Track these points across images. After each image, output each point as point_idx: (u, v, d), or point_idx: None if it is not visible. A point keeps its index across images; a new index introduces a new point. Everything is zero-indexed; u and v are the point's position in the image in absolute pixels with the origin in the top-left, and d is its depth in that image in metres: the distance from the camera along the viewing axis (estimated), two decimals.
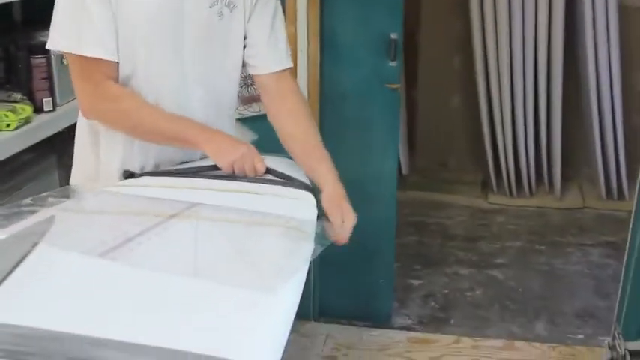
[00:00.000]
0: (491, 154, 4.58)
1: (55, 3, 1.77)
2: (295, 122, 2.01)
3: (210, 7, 1.83)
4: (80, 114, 1.92)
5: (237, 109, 2.97)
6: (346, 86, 3.05)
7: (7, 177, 2.48)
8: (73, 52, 1.76)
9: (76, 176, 2.02)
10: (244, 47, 1.96)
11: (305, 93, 2.96)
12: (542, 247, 4.05)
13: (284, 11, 2.84)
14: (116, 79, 1.81)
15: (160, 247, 1.47)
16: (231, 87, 2.01)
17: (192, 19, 1.82)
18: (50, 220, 1.55)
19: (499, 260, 3.91)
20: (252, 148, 1.86)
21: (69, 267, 1.38)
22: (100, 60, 1.76)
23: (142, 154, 1.91)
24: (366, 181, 3.12)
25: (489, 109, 4.50)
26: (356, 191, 3.10)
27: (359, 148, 3.10)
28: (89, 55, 1.75)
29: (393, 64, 2.99)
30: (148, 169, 1.93)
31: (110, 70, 1.79)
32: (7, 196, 2.40)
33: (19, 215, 1.55)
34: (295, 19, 2.91)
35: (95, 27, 1.74)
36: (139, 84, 1.83)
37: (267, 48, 1.96)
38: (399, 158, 4.01)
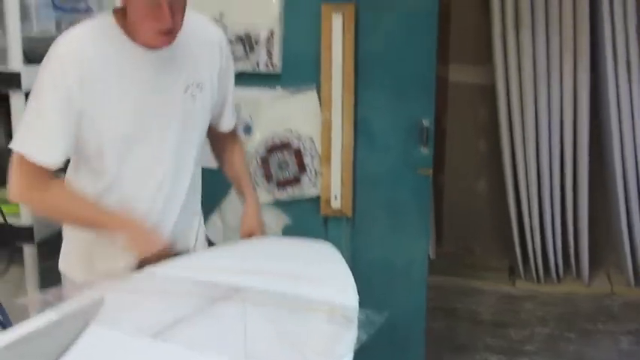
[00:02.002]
0: (518, 240, 4.58)
1: (26, 107, 1.93)
2: (236, 158, 2.37)
3: (185, 92, 2.01)
4: None
5: (270, 192, 3.05)
6: (378, 171, 3.09)
7: None
8: (25, 154, 1.87)
9: (68, 257, 2.12)
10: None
11: (338, 177, 3.02)
12: (572, 335, 4.01)
13: (319, 98, 2.95)
14: (49, 176, 1.92)
15: (209, 330, 1.50)
16: (197, 151, 2.14)
17: (171, 106, 1.99)
18: (100, 301, 1.59)
19: (528, 347, 3.87)
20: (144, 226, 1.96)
21: (121, 348, 1.41)
22: (44, 165, 1.88)
23: None
24: (397, 266, 3.14)
25: (516, 194, 4.53)
26: (386, 276, 3.15)
27: (390, 233, 3.12)
28: (33, 160, 1.87)
29: (424, 150, 3.05)
30: None
31: (48, 171, 1.91)
32: None
33: None
34: (330, 106, 2.99)
35: (49, 136, 1.87)
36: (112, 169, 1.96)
37: (227, 112, 2.26)
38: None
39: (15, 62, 2.41)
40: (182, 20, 1.90)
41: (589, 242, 4.48)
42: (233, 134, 2.37)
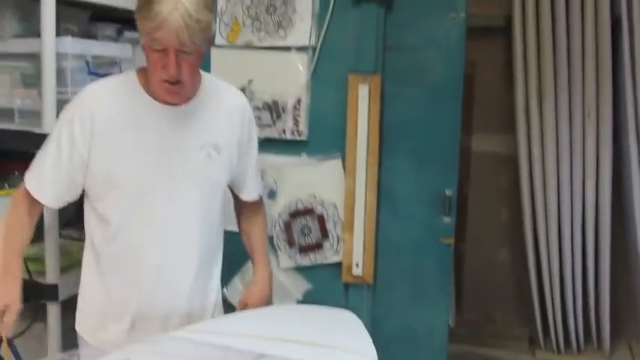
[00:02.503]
0: (538, 309, 4.55)
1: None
2: (255, 231, 2.42)
3: (199, 151, 2.07)
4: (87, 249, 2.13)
5: (292, 257, 3.08)
6: (401, 239, 3.11)
7: None
8: (28, 187, 2.05)
9: (82, 318, 2.19)
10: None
11: (360, 244, 3.04)
12: None
13: (344, 165, 3.00)
14: (32, 209, 2.09)
15: None
16: (212, 211, 2.19)
17: (183, 162, 2.05)
18: None
19: None
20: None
21: None
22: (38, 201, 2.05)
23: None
24: (417, 334, 3.14)
25: (537, 263, 4.51)
26: (407, 344, 3.14)
27: (411, 301, 3.12)
28: (38, 199, 2.04)
29: (447, 219, 3.07)
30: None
31: (38, 204, 2.08)
32: None
33: None
34: (355, 174, 3.02)
35: (50, 176, 2.02)
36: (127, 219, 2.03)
37: (250, 182, 2.32)
38: None
39: (49, 124, 2.47)
40: (192, 77, 1.96)
41: (610, 313, 4.44)
42: (257, 205, 2.41)
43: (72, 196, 2.07)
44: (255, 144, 2.30)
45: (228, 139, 2.15)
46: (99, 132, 1.95)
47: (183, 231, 2.09)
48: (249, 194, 2.35)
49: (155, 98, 2.00)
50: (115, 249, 2.03)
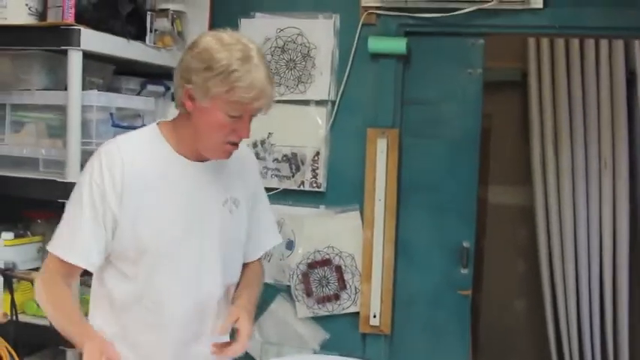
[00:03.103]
0: None
1: (65, 209, 1.98)
2: (250, 277, 2.22)
3: (223, 206, 2.04)
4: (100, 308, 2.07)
5: (310, 307, 3.10)
6: (418, 290, 3.13)
7: None
8: (58, 255, 1.92)
9: None
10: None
11: (378, 295, 3.06)
12: None
13: (362, 217, 3.03)
14: (70, 278, 1.99)
15: None
16: (232, 267, 2.14)
17: (209, 218, 2.02)
18: None
19: None
20: (102, 342, 1.88)
21: None
22: (73, 265, 1.92)
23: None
24: None
25: (554, 316, 4.50)
26: None
27: (428, 352, 3.13)
28: (72, 262, 1.92)
29: (464, 271, 3.09)
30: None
31: (73, 272, 1.96)
32: None
33: None
34: (373, 225, 3.06)
35: (83, 240, 1.91)
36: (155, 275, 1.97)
37: (265, 234, 2.25)
38: None
39: (73, 174, 2.51)
40: None
41: None
42: (259, 264, 2.32)
43: (104, 256, 1.98)
44: (263, 198, 2.26)
45: (244, 192, 2.14)
46: (128, 189, 1.90)
47: (211, 286, 2.07)
48: (262, 247, 2.28)
49: (182, 154, 1.98)
50: (137, 306, 1.99)
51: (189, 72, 1.86)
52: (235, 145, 1.95)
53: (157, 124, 2.04)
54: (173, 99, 3.05)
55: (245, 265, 2.22)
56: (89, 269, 1.95)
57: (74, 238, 1.91)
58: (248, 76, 1.81)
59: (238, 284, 2.18)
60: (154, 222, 1.94)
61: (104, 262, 1.98)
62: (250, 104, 1.85)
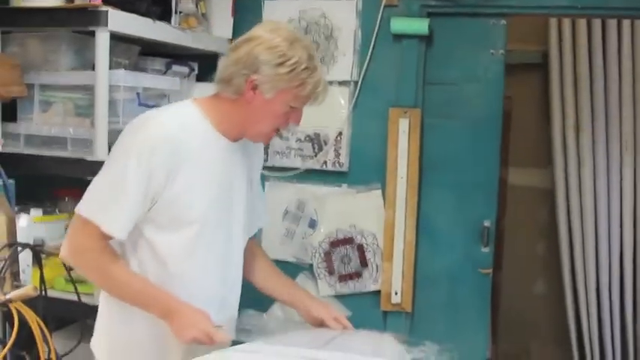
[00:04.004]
0: (575, 342, 4.54)
1: (100, 174, 2.00)
2: (274, 269, 2.39)
3: (246, 184, 2.15)
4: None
5: (332, 285, 3.14)
6: (439, 269, 3.17)
7: None
8: (96, 223, 1.93)
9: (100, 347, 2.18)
10: None
11: (399, 273, 3.09)
12: None
13: (384, 196, 3.06)
14: (107, 244, 2.00)
15: None
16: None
17: (240, 196, 2.13)
18: None
19: None
20: (208, 320, 1.95)
21: None
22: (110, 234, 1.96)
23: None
24: None
25: (574, 297, 4.51)
26: None
27: (449, 330, 3.16)
28: (108, 232, 1.94)
29: (485, 249, 3.12)
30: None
31: (110, 239, 1.98)
32: None
33: None
34: (394, 204, 3.09)
35: (123, 210, 1.94)
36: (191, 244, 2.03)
37: (257, 214, 2.29)
38: None
39: (100, 153, 2.56)
40: None
41: None
42: (258, 245, 2.42)
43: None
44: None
45: (256, 173, 2.26)
46: (172, 167, 1.94)
47: (236, 265, 2.18)
48: (257, 224, 2.34)
49: (221, 132, 2.05)
50: (169, 283, 2.02)
51: (256, 63, 1.94)
52: (279, 132, 2.09)
53: (193, 101, 2.09)
54: (198, 80, 3.14)
55: (252, 249, 2.32)
56: (122, 239, 1.99)
57: (117, 208, 1.94)
58: (316, 73, 1.97)
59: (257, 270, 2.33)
60: (196, 195, 1.99)
61: (140, 241, 2.03)
62: (316, 98, 2.01)
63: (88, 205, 1.97)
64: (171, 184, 1.95)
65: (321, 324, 2.26)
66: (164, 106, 2.22)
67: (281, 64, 1.93)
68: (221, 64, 2.06)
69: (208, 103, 2.07)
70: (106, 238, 1.97)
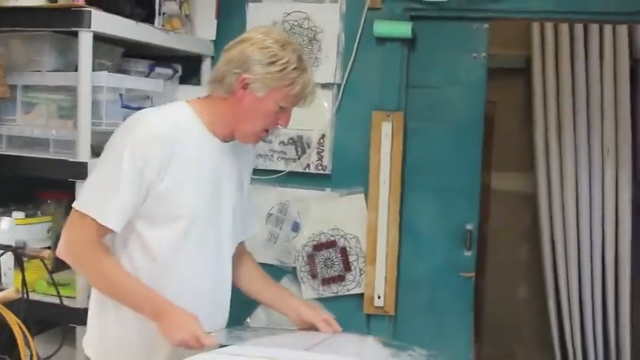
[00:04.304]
0: (558, 346, 4.56)
1: (94, 171, 2.07)
2: (259, 271, 2.43)
3: (236, 184, 2.19)
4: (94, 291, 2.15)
5: (315, 289, 3.14)
6: (421, 272, 3.18)
7: None
8: (91, 216, 1.97)
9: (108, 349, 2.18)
10: None
11: (382, 277, 3.09)
12: None
13: (366, 199, 3.07)
14: (102, 239, 2.04)
15: None
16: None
17: (228, 196, 2.16)
18: None
19: None
20: (197, 324, 1.98)
21: None
22: (107, 228, 1.99)
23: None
24: None
25: (557, 301, 4.53)
26: None
27: (432, 333, 3.15)
28: (104, 224, 1.98)
29: (468, 253, 3.14)
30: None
31: (106, 233, 2.02)
32: None
33: None
34: (377, 208, 3.09)
35: (118, 202, 1.98)
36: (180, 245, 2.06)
37: (248, 219, 2.35)
38: None
39: (83, 154, 2.55)
40: None
41: (631, 353, 4.44)
42: (244, 249, 2.42)
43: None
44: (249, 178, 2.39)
45: (246, 175, 2.30)
46: (170, 160, 1.99)
47: (226, 264, 2.21)
48: (249, 230, 2.39)
49: (213, 133, 2.10)
50: (159, 279, 2.05)
51: (248, 62, 2.02)
52: (268, 132, 2.13)
53: (186, 102, 2.14)
54: (182, 82, 3.14)
55: (240, 254, 2.35)
56: (117, 231, 2.01)
57: (112, 202, 1.97)
58: (305, 74, 2.05)
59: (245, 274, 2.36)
60: (189, 191, 2.04)
61: (131, 235, 2.06)
62: (305, 98, 2.08)
63: (83, 200, 2.02)
64: (163, 179, 1.99)
65: (310, 327, 2.27)
66: (157, 106, 2.26)
67: (272, 63, 2.00)
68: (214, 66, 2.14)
69: (200, 103, 2.14)
70: (101, 233, 2.00)
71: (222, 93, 2.08)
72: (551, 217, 4.47)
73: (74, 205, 2.03)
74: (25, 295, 2.37)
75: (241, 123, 2.07)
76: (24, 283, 2.39)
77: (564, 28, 4.29)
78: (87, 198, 2.02)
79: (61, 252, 2.05)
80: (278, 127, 2.13)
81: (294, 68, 2.02)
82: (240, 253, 2.36)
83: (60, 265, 2.77)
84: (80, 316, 2.57)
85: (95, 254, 2.01)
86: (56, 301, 2.42)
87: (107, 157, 2.04)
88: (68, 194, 2.69)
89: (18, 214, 2.69)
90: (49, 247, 2.71)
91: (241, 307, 2.43)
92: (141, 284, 2.02)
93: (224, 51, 2.10)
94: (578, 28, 4.27)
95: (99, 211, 1.97)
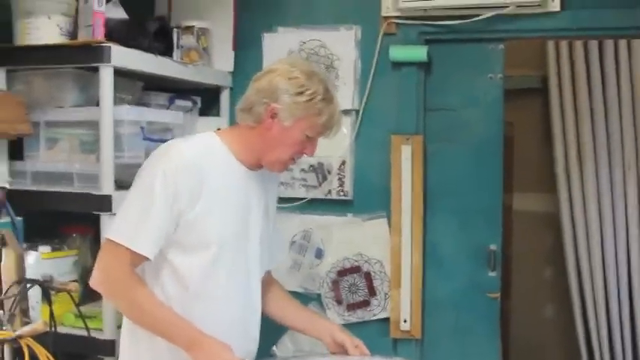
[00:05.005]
0: None
1: (125, 202, 2.07)
2: (290, 299, 2.45)
3: (264, 214, 2.21)
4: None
5: (341, 315, 3.13)
6: (447, 294, 3.16)
7: None
8: (125, 245, 1.99)
9: None
10: None
11: (408, 300, 3.09)
12: None
13: (389, 223, 3.07)
14: (136, 268, 2.04)
15: None
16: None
17: (255, 225, 2.18)
18: None
19: None
20: (231, 353, 1.98)
21: None
22: (140, 255, 2.00)
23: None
24: None
25: (584, 321, 4.49)
26: None
27: (460, 355, 3.15)
28: (138, 252, 1.99)
29: (492, 274, 3.13)
30: None
31: (140, 262, 2.03)
32: None
33: None
34: (400, 231, 3.10)
35: (152, 230, 2.00)
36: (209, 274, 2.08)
37: (277, 246, 2.41)
38: None
39: (107, 187, 2.58)
40: None
41: None
42: (272, 277, 2.44)
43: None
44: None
45: (272, 204, 2.32)
46: (201, 189, 2.02)
47: (255, 291, 2.23)
48: (275, 259, 2.42)
49: (241, 161, 2.14)
50: (191, 308, 2.06)
51: (276, 92, 2.06)
52: (294, 161, 2.17)
53: (215, 132, 2.20)
54: (201, 114, 3.18)
55: (268, 282, 2.37)
56: (151, 259, 2.03)
57: (145, 229, 1.99)
58: (331, 105, 2.10)
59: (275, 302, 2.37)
60: (219, 221, 2.07)
61: (158, 267, 2.08)
62: (331, 128, 2.13)
63: (116, 230, 2.03)
64: (193, 206, 2.02)
65: (342, 351, 2.28)
66: (186, 137, 2.31)
67: (300, 93, 2.05)
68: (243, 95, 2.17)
69: (229, 132, 2.21)
70: (135, 262, 2.02)
71: (250, 122, 2.11)
72: (574, 237, 4.45)
73: (107, 235, 2.05)
74: (54, 329, 2.39)
75: (269, 151, 2.11)
76: (52, 316, 2.41)
77: (579, 45, 4.30)
78: (120, 227, 2.03)
79: (95, 282, 2.06)
80: (304, 155, 2.17)
81: (322, 99, 2.06)
82: (268, 281, 2.38)
83: (87, 297, 2.80)
84: (108, 348, 2.59)
85: (129, 283, 2.02)
86: (84, 333, 2.43)
87: (138, 186, 2.06)
88: (93, 228, 2.73)
89: (44, 249, 2.72)
90: (75, 280, 2.73)
91: (266, 336, 2.42)
92: (174, 313, 2.03)
93: (253, 81, 2.14)
94: (593, 44, 4.28)
95: (132, 239, 1.99)
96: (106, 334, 2.61)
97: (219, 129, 2.25)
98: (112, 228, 2.06)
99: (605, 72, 4.25)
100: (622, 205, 4.32)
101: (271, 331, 2.47)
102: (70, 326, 2.67)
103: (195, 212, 2.02)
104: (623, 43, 4.22)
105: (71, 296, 2.42)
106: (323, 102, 2.06)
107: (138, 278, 2.04)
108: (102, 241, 2.56)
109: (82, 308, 2.55)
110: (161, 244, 2.03)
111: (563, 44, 4.33)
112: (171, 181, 1.98)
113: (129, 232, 2.00)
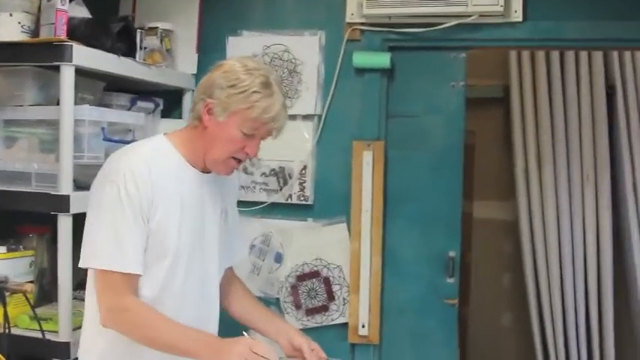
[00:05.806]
0: None
1: (91, 224, 2.00)
2: (252, 297, 2.44)
3: (220, 215, 2.19)
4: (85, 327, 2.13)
5: (299, 319, 3.13)
6: (405, 300, 3.18)
7: None
8: (114, 270, 1.94)
9: None
10: None
11: (366, 305, 3.10)
12: None
13: (349, 229, 3.08)
14: (136, 292, 2.00)
15: None
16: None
17: (213, 227, 2.16)
18: None
19: None
20: (248, 341, 1.96)
21: None
22: (132, 275, 1.97)
23: None
24: None
25: (541, 328, 4.54)
26: None
27: None
28: (132, 271, 1.96)
29: (450, 280, 3.15)
30: None
31: (134, 283, 1.99)
32: None
33: None
34: (360, 237, 3.11)
35: (137, 247, 1.97)
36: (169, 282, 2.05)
37: (238, 243, 2.42)
38: None
39: (65, 187, 2.55)
40: None
41: None
42: (234, 275, 2.43)
43: None
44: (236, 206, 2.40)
45: (231, 202, 2.30)
46: (156, 196, 1.98)
47: (212, 296, 2.21)
48: (236, 256, 2.41)
49: (193, 164, 2.10)
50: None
51: (212, 87, 2.02)
52: (239, 162, 2.09)
53: (164, 135, 2.14)
54: (163, 115, 3.17)
55: (230, 280, 2.36)
56: (142, 274, 2.00)
57: (127, 248, 1.95)
58: (268, 99, 1.99)
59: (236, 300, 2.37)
60: (175, 228, 2.03)
61: None
62: (266, 124, 2.03)
63: (97, 255, 1.98)
64: (153, 216, 1.99)
65: (298, 355, 2.26)
66: (135, 142, 2.26)
67: (232, 86, 1.99)
68: None
69: (177, 135, 2.14)
70: (132, 284, 1.98)
71: (194, 121, 2.09)
72: (533, 245, 4.49)
73: (91, 264, 2.00)
74: (7, 330, 2.37)
75: (208, 150, 2.06)
76: (6, 317, 2.38)
77: (540, 55, 4.35)
78: (100, 253, 1.97)
79: (107, 324, 2.00)
80: (248, 156, 2.09)
81: (254, 91, 1.98)
82: (230, 279, 2.36)
83: (43, 299, 2.78)
84: (63, 351, 2.56)
85: (135, 309, 1.98)
86: (39, 335, 2.41)
87: (99, 205, 1.99)
88: (50, 228, 2.69)
89: (0, 249, 2.69)
90: (31, 282, 2.70)
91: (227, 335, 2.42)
92: (188, 329, 1.98)
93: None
94: (555, 55, 4.33)
95: (121, 262, 1.95)
96: (62, 337, 2.58)
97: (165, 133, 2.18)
98: (89, 254, 1.99)
99: (566, 83, 4.31)
100: (580, 214, 4.37)
101: (231, 332, 2.45)
102: (24, 328, 2.63)
103: (156, 221, 1.99)
104: (584, 54, 4.28)
105: (27, 297, 2.41)
106: (256, 95, 1.98)
107: (142, 302, 2.00)
108: (59, 241, 2.53)
109: (38, 310, 2.53)
110: (142, 255, 1.99)
111: (525, 54, 4.38)
112: (133, 188, 1.94)
113: (114, 254, 1.95)
